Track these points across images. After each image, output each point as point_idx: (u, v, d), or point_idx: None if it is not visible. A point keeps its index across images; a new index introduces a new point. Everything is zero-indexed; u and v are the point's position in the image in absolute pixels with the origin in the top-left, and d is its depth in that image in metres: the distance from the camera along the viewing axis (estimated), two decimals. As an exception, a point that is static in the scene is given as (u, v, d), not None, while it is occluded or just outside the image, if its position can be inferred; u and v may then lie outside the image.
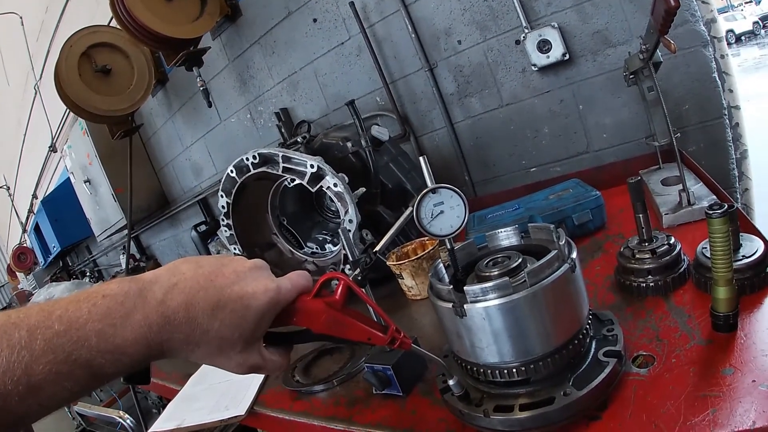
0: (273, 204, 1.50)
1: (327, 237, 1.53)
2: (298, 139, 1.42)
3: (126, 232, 2.87)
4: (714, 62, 1.26)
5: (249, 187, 1.38)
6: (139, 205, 2.92)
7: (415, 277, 1.19)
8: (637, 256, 0.84)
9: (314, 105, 2.00)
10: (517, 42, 1.47)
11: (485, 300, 0.61)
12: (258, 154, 1.28)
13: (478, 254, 0.78)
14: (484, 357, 0.65)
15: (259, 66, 2.09)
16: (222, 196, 1.38)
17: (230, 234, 1.42)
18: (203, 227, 2.52)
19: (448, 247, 0.74)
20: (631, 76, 1.14)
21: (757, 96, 6.01)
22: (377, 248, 0.80)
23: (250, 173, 1.31)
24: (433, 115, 1.72)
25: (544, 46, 1.40)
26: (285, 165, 1.27)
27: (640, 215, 0.84)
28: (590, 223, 1.16)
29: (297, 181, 1.28)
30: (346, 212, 1.24)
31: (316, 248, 1.51)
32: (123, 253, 3.23)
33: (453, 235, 0.73)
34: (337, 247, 1.45)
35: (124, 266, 2.92)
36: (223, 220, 1.42)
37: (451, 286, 0.64)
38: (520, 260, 0.67)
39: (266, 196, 1.48)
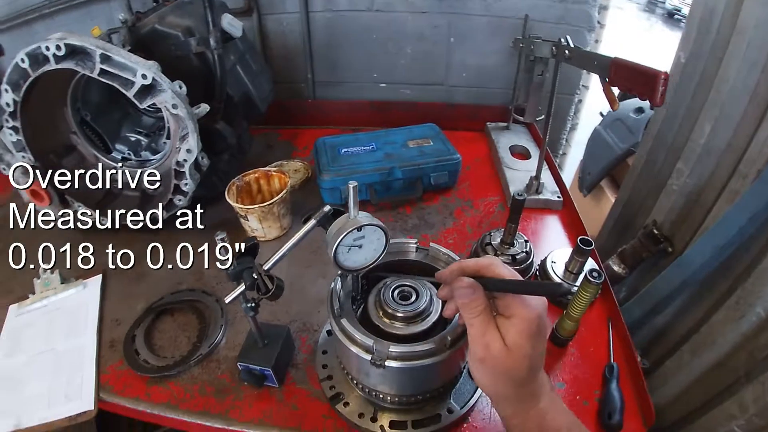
0: (74, 95, 1.18)
1: (142, 138, 1.31)
2: (120, 17, 1.10)
3: None
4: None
5: (44, 78, 1.06)
6: None
7: (263, 221, 1.17)
8: (499, 257, 1.01)
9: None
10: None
11: (407, 360, 0.68)
12: (65, 44, 0.97)
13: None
14: (386, 389, 0.75)
15: None
16: (6, 91, 1.04)
17: (17, 139, 1.10)
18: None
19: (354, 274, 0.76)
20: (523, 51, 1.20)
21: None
22: (268, 267, 0.75)
23: (49, 67, 1.00)
24: (288, -6, 1.51)
25: (436, -36, 1.32)
26: (103, 66, 1.00)
27: (513, 225, 0.99)
28: (443, 183, 1.29)
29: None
30: (184, 138, 1.09)
31: (128, 152, 1.29)
32: None
33: (365, 269, 0.74)
34: (158, 155, 1.27)
35: None
36: (7, 121, 1.08)
37: (372, 341, 0.69)
38: (427, 300, 0.74)
39: (65, 87, 1.15)
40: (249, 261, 0.74)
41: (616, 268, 1.22)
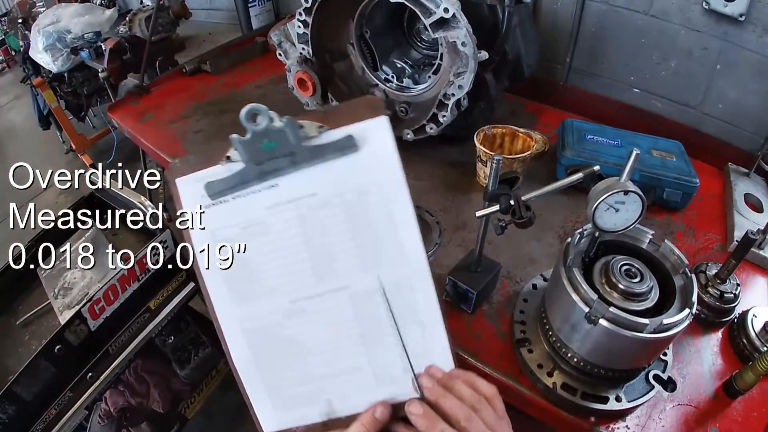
0: (362, 11, 1.37)
1: (406, 67, 1.48)
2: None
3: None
4: None
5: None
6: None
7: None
8: (709, 289, 1.02)
9: None
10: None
11: (618, 326, 0.74)
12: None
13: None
14: (578, 350, 0.83)
15: None
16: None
17: (303, 32, 1.33)
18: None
19: (595, 234, 0.82)
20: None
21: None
22: (527, 198, 0.82)
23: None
24: (568, -22, 1.58)
25: (729, -5, 1.29)
26: (409, -10, 1.15)
27: (735, 262, 0.99)
28: (673, 203, 1.29)
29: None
30: (459, 75, 1.22)
31: (392, 75, 1.47)
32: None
33: (615, 232, 0.79)
34: (419, 86, 1.42)
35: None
36: (300, 15, 1.31)
37: (596, 297, 0.76)
38: (648, 286, 0.79)
39: (359, 1, 1.35)
40: (507, 188, 0.85)
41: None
